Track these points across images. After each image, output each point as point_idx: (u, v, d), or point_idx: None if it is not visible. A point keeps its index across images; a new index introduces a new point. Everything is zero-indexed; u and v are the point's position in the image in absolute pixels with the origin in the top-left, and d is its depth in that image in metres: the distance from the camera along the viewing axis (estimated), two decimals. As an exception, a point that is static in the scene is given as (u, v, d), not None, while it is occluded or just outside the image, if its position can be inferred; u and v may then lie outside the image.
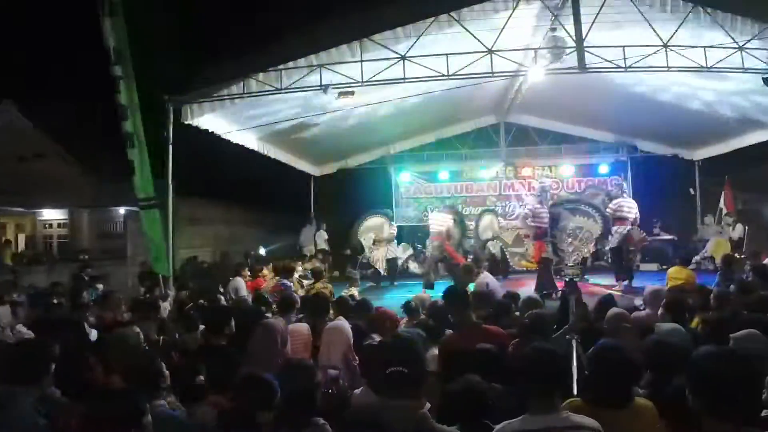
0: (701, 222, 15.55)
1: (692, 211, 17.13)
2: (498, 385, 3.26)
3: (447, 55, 8.70)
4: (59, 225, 23.97)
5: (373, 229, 13.77)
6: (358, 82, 8.83)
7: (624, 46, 8.69)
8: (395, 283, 13.30)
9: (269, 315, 6.25)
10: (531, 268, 10.97)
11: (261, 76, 8.93)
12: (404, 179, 17.78)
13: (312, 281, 10.11)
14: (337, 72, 8.86)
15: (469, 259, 12.64)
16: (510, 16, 8.61)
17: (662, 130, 15.14)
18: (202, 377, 3.53)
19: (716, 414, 2.11)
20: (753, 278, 6.56)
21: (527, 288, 9.98)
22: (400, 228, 17.74)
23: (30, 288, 12.41)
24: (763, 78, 8.68)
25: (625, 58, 8.71)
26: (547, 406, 2.48)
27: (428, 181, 17.84)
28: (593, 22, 8.24)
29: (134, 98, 7.60)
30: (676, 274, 8.45)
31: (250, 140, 11.83)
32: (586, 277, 12.24)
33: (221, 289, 9.59)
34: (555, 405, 2.51)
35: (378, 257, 13.40)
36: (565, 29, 8.70)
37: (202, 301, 7.41)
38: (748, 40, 8.53)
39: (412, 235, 18.39)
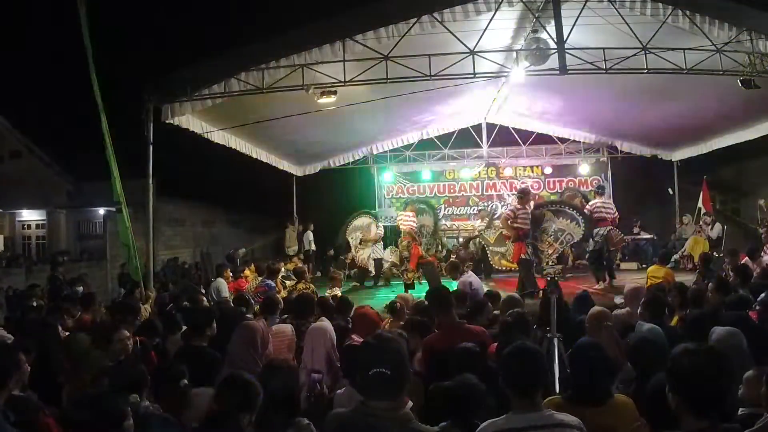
0: (680, 221, 15.76)
1: (671, 210, 17.38)
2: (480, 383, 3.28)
3: (429, 55, 8.72)
4: (37, 226, 23.61)
5: (360, 228, 13.73)
6: (341, 81, 8.81)
7: (604, 48, 8.78)
8: (379, 283, 13.28)
9: (250, 316, 6.22)
10: (513, 268, 11.00)
11: (243, 75, 8.87)
12: (387, 179, 17.78)
13: (294, 282, 10.06)
14: (319, 72, 8.84)
15: (452, 257, 12.70)
16: (492, 18, 8.65)
17: (642, 131, 15.31)
18: (185, 381, 3.50)
19: (694, 411, 2.14)
20: (734, 278, 6.66)
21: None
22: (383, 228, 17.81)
23: (9, 290, 12.24)
24: (740, 80, 8.82)
25: (605, 60, 8.81)
26: (530, 404, 2.49)
27: (411, 181, 17.87)
28: (574, 25, 8.32)
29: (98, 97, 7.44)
30: (654, 273, 8.56)
31: (231, 140, 11.75)
32: (568, 275, 12.35)
33: (203, 290, 9.52)
34: (537, 403, 2.52)
35: (363, 257, 13.38)
36: (547, 31, 8.77)
37: (185, 302, 7.36)
38: (726, 43, 8.67)
39: (395, 235, 18.46)
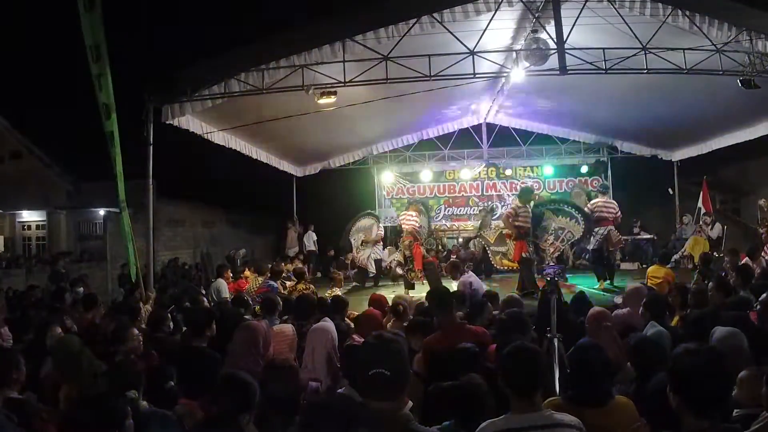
0: (680, 221, 15.76)
1: (671, 210, 17.39)
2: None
3: (429, 56, 8.72)
4: (38, 227, 23.60)
5: (363, 229, 13.68)
6: (341, 82, 8.82)
7: (604, 48, 8.78)
8: (380, 284, 13.24)
9: (248, 317, 6.21)
10: (513, 267, 10.97)
11: (243, 76, 8.88)
12: (387, 180, 17.78)
13: (294, 282, 10.06)
14: (319, 72, 8.84)
15: (452, 257, 12.69)
16: (492, 18, 8.65)
17: (642, 131, 15.32)
18: (172, 383, 3.49)
19: (695, 411, 2.13)
20: (736, 278, 6.65)
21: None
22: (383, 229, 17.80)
23: (9, 290, 12.25)
24: (740, 80, 8.82)
25: (605, 60, 8.81)
26: (529, 404, 2.49)
27: (411, 181, 17.87)
28: (573, 25, 8.31)
29: (111, 97, 7.45)
30: (654, 273, 8.56)
31: (231, 140, 11.75)
32: (566, 276, 12.33)
33: (203, 291, 9.51)
34: (536, 403, 2.52)
35: (363, 257, 13.35)
36: (547, 31, 8.77)
37: (186, 303, 7.36)
38: (726, 43, 8.67)
39: (395, 235, 18.45)
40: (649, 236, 15.49)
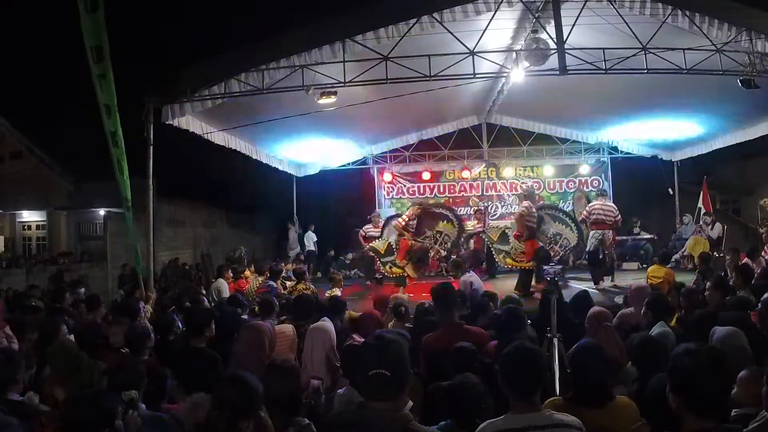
0: (680, 221, 15.76)
1: (671, 210, 17.38)
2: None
3: (429, 56, 8.72)
4: (38, 227, 23.61)
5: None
6: (341, 82, 8.82)
7: (604, 49, 8.78)
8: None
9: (246, 317, 6.22)
10: (517, 267, 10.94)
11: (243, 76, 8.88)
12: (387, 180, 17.78)
13: (294, 282, 10.06)
14: (319, 72, 8.84)
15: (453, 256, 12.62)
16: (492, 18, 8.66)
17: (642, 130, 15.31)
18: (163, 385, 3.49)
19: (695, 411, 2.14)
20: (736, 278, 6.65)
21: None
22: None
23: (9, 290, 12.25)
24: (740, 80, 8.82)
25: (605, 60, 8.81)
26: (529, 404, 2.50)
27: (411, 181, 17.87)
28: (573, 25, 8.32)
29: (113, 97, 7.47)
30: (655, 273, 8.57)
31: (231, 141, 11.76)
32: (567, 276, 12.34)
33: (203, 291, 9.51)
34: (536, 403, 2.53)
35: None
36: (546, 31, 8.77)
37: (187, 303, 7.35)
38: (726, 43, 8.67)
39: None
40: (649, 236, 15.48)
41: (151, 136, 8.86)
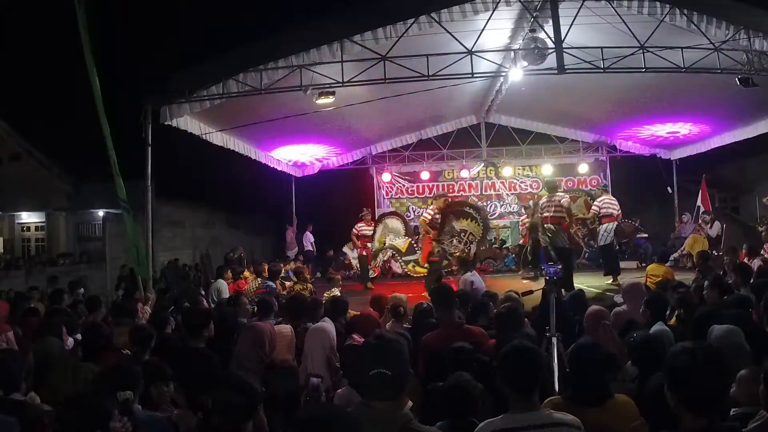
0: (679, 220, 15.76)
1: (670, 209, 17.39)
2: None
3: (427, 55, 8.72)
4: (37, 228, 23.59)
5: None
6: (339, 82, 8.82)
7: (602, 47, 8.78)
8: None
9: (244, 320, 6.21)
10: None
11: (241, 76, 8.87)
12: (385, 179, 17.79)
13: (293, 282, 10.06)
14: (317, 72, 8.84)
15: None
16: (490, 18, 8.66)
17: (639, 130, 15.32)
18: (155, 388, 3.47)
19: (693, 410, 2.14)
20: (735, 277, 6.64)
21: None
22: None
23: (10, 291, 12.24)
24: (738, 78, 8.83)
25: (603, 59, 8.81)
26: (528, 404, 2.50)
27: (409, 181, 17.88)
28: (571, 24, 8.32)
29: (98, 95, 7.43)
30: (654, 271, 8.55)
31: (230, 141, 11.75)
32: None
33: (203, 292, 9.50)
34: (535, 402, 2.53)
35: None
36: (545, 31, 8.77)
37: (186, 304, 7.35)
38: (724, 41, 8.68)
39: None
40: (648, 235, 15.49)
41: (150, 137, 8.85)
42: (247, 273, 11.20)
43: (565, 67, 8.60)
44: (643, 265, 12.93)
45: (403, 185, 17.90)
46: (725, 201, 19.41)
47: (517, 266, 14.39)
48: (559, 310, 4.36)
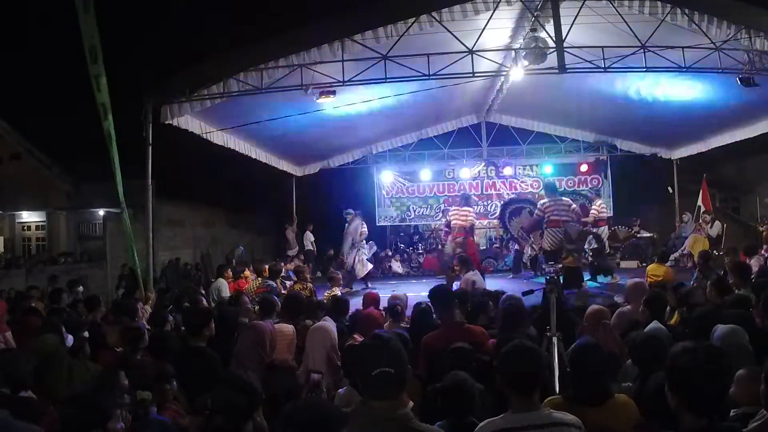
0: (679, 219, 15.76)
1: (671, 209, 17.37)
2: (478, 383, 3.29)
3: (428, 55, 8.72)
4: (37, 227, 23.60)
5: (352, 233, 13.19)
6: (339, 81, 8.82)
7: (603, 47, 8.78)
8: (368, 284, 13.00)
9: (245, 320, 6.20)
10: None
11: (241, 75, 8.88)
12: (386, 179, 17.78)
13: (293, 282, 10.04)
14: (318, 72, 8.84)
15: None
16: (491, 17, 8.65)
17: (641, 129, 15.31)
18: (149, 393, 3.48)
19: (693, 409, 2.13)
20: (735, 277, 6.63)
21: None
22: (382, 228, 17.73)
23: (11, 291, 12.24)
24: (739, 78, 8.82)
25: (604, 59, 8.81)
26: (528, 403, 2.49)
27: (410, 180, 17.87)
28: (572, 23, 8.31)
29: (107, 97, 7.44)
30: (654, 271, 8.55)
31: (230, 140, 11.74)
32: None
33: (203, 291, 9.50)
34: (535, 402, 2.52)
35: (350, 260, 12.88)
36: (546, 30, 8.77)
37: (186, 303, 7.34)
38: (725, 41, 8.67)
39: (395, 234, 18.44)
40: (648, 235, 15.49)
41: (150, 136, 8.85)
42: (247, 272, 11.19)
43: (566, 66, 8.60)
44: (644, 264, 12.95)
45: (404, 185, 17.89)
46: (725, 201, 19.40)
47: (516, 267, 14.41)
48: (559, 310, 4.35)
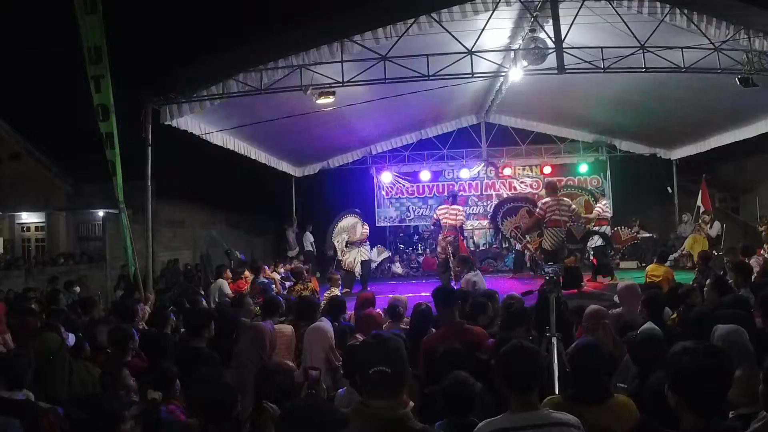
0: (679, 220, 15.76)
1: (670, 209, 17.38)
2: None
3: (428, 55, 8.73)
4: (37, 228, 23.57)
5: (346, 229, 13.11)
6: (339, 82, 8.82)
7: (602, 47, 8.78)
8: (368, 286, 12.96)
9: (247, 320, 6.20)
10: None
11: (241, 76, 8.88)
12: (386, 179, 17.78)
13: (293, 282, 10.06)
14: (317, 72, 8.84)
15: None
16: (490, 18, 8.66)
17: (641, 129, 15.32)
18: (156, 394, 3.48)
19: (694, 409, 2.13)
20: (735, 276, 6.63)
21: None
22: (382, 228, 17.72)
23: (10, 292, 12.23)
24: (738, 78, 8.82)
25: (603, 59, 8.81)
26: (528, 403, 2.50)
27: (410, 181, 17.87)
28: (572, 24, 8.32)
29: (110, 98, 7.49)
30: (653, 271, 8.54)
31: (230, 141, 11.75)
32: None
33: (203, 292, 9.51)
34: (534, 402, 2.52)
35: (350, 259, 12.85)
36: (545, 31, 8.77)
37: (186, 304, 7.35)
38: (724, 41, 8.67)
39: (395, 235, 18.43)
40: (648, 235, 15.49)
41: (150, 137, 8.85)
42: (247, 273, 11.20)
43: (565, 67, 8.61)
44: (643, 265, 12.95)
45: (403, 185, 17.89)
46: (725, 201, 19.39)
47: (516, 268, 14.40)
48: (558, 310, 4.35)
